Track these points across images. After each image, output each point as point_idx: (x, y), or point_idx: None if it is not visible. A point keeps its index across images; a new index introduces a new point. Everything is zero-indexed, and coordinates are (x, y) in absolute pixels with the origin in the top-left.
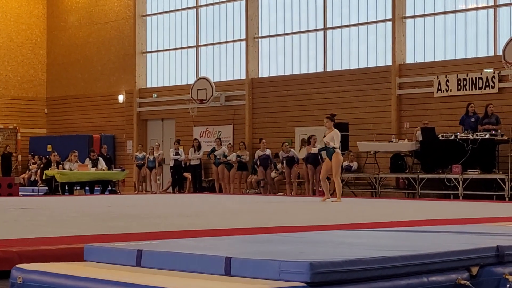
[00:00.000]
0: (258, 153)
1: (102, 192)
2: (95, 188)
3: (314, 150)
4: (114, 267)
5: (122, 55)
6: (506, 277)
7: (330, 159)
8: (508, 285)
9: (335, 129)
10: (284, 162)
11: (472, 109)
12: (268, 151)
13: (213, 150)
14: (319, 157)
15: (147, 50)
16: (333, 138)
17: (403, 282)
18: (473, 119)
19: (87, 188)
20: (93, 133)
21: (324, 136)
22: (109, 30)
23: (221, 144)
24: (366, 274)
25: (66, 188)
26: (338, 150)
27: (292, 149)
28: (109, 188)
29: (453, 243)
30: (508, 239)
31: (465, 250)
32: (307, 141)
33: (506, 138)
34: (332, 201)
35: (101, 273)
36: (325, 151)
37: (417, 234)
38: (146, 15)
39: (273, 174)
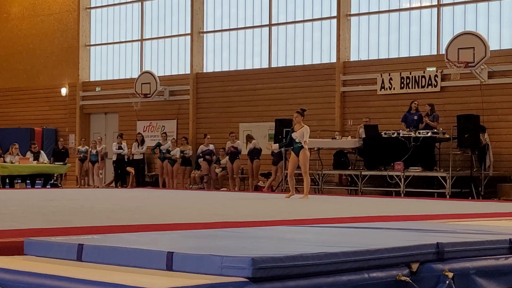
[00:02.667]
0: (202, 147)
1: (44, 186)
2: (37, 181)
3: (275, 147)
4: (54, 261)
5: (65, 48)
6: (446, 273)
7: (297, 155)
8: (447, 282)
9: (305, 125)
10: (229, 154)
11: (415, 106)
12: (211, 146)
13: (158, 144)
14: (273, 152)
15: (91, 43)
16: (303, 134)
17: (344, 278)
18: (415, 117)
19: (28, 181)
20: (35, 126)
21: (294, 132)
22: (52, 22)
23: (166, 139)
24: (308, 270)
25: (7, 181)
26: (306, 146)
27: (238, 141)
28: (51, 181)
29: (394, 240)
30: (448, 236)
31: (406, 247)
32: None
33: (448, 136)
34: (299, 198)
35: (41, 267)
36: (291, 147)
37: (359, 231)
38: (90, 8)
39: (217, 170)
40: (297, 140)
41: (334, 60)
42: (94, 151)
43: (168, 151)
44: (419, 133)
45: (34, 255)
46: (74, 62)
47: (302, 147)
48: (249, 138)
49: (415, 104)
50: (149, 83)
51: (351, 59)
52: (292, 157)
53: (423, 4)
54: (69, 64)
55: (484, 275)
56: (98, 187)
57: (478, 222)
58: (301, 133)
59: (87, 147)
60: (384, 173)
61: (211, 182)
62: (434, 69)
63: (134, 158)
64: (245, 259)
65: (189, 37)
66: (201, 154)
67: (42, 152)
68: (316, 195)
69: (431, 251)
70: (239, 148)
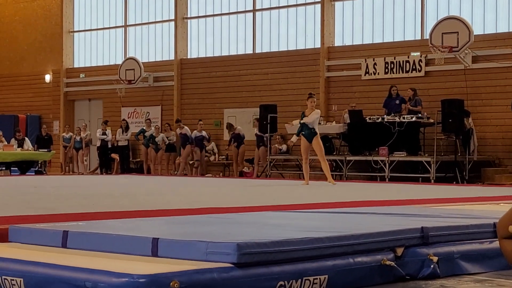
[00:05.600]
0: (195, 133)
1: (23, 173)
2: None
3: (292, 142)
4: (39, 248)
5: (49, 34)
6: (431, 257)
7: (310, 141)
8: (432, 266)
9: (317, 109)
10: (194, 142)
11: (395, 92)
12: (204, 133)
13: (143, 131)
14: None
15: (75, 30)
16: (316, 119)
17: (329, 263)
18: (397, 101)
19: (15, 168)
20: (18, 113)
21: (305, 116)
22: (35, 8)
23: (150, 125)
24: (293, 255)
25: None
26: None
27: (186, 127)
28: (35, 168)
29: (379, 224)
30: (433, 220)
31: (390, 231)
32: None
33: (432, 121)
34: (328, 183)
35: (26, 254)
36: (303, 132)
37: (344, 216)
38: None
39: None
40: (310, 126)
41: (318, 45)
42: (78, 138)
43: (153, 137)
44: (404, 118)
45: (18, 242)
46: (58, 48)
47: (316, 133)
48: (230, 126)
49: (394, 89)
50: (133, 69)
51: (336, 44)
52: (303, 142)
53: None
54: (53, 51)
55: (468, 259)
56: (82, 174)
57: (462, 207)
58: (313, 118)
59: (71, 133)
60: (369, 158)
61: (200, 168)
62: (418, 54)
63: (119, 144)
64: (230, 244)
65: (173, 23)
66: (193, 140)
67: (26, 139)
68: (300, 180)
69: (416, 236)
70: (188, 134)
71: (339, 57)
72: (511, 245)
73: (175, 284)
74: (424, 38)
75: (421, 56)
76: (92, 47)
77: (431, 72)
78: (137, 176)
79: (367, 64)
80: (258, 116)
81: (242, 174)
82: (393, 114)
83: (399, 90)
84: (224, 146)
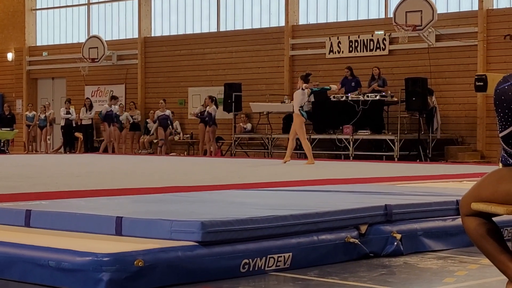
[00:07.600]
0: (158, 113)
1: None
2: None
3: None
4: (2, 227)
5: (11, 12)
6: (394, 235)
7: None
8: (395, 243)
9: (299, 90)
10: (158, 122)
11: (348, 73)
12: (168, 112)
13: None
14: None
15: (37, 7)
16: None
17: (293, 241)
18: (353, 83)
19: None
20: None
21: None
22: None
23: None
24: (257, 233)
25: None
26: (298, 112)
27: (168, 110)
28: None
29: (343, 202)
30: (396, 198)
31: (354, 209)
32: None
33: (396, 99)
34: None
35: None
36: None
37: (308, 194)
38: None
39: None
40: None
41: (282, 23)
42: (42, 116)
43: (117, 116)
44: (368, 96)
45: None
46: (20, 26)
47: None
48: (212, 99)
49: (346, 71)
50: (97, 47)
51: (300, 23)
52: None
53: None
54: (15, 29)
55: (431, 236)
56: (46, 153)
57: (425, 184)
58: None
59: (34, 112)
60: (333, 136)
61: (164, 147)
62: (382, 32)
63: (83, 123)
64: (195, 223)
65: (136, 0)
66: (157, 120)
67: None
68: (265, 159)
69: (379, 213)
70: (170, 117)
71: (304, 36)
72: (473, 222)
73: (139, 263)
74: (388, 16)
75: (385, 35)
76: (55, 25)
77: (395, 50)
78: (101, 155)
79: (331, 42)
80: (222, 95)
81: (206, 153)
82: (357, 93)
83: (364, 69)
84: (188, 125)
